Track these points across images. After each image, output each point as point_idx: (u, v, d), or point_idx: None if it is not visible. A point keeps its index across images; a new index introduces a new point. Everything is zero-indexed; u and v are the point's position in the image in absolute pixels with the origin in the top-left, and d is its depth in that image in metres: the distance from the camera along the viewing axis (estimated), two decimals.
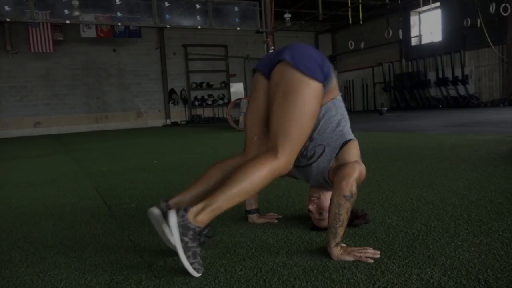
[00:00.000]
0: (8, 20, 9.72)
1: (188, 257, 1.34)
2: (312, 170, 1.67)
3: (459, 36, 15.31)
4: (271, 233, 1.78)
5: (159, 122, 17.57)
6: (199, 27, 11.66)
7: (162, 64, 17.44)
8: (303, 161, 1.69)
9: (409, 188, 2.47)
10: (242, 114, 10.39)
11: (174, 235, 1.34)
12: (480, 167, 2.99)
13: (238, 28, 12.20)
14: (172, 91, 17.71)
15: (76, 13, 10.03)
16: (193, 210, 1.39)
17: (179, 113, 17.95)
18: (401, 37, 12.54)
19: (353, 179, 1.47)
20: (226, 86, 18.78)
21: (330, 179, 1.62)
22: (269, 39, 11.90)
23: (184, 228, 1.35)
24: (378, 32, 17.28)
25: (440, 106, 15.53)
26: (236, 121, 10.77)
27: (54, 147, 8.30)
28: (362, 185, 2.61)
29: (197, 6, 11.31)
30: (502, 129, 5.71)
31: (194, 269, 1.35)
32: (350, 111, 19.77)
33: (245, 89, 19.05)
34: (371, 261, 1.39)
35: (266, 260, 1.47)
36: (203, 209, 1.39)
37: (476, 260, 1.35)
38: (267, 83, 1.64)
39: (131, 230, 1.97)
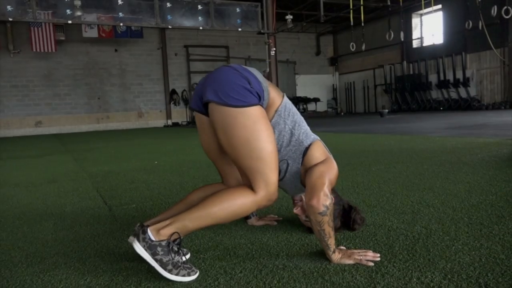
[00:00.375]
0: (10, 19, 9.73)
1: (170, 271, 1.32)
2: (286, 184, 1.67)
3: (460, 39, 15.31)
4: (271, 235, 1.78)
5: (160, 122, 17.58)
6: (200, 27, 11.68)
7: (163, 64, 17.45)
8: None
9: (410, 191, 2.46)
10: None
11: (146, 259, 1.33)
12: (481, 170, 2.99)
13: (239, 29, 12.20)
14: (173, 91, 17.72)
15: (78, 13, 10.05)
16: (158, 226, 1.37)
17: (180, 114, 17.96)
18: (402, 39, 12.54)
19: (322, 193, 1.44)
20: None
21: (303, 184, 1.61)
22: (270, 40, 11.91)
23: (151, 248, 1.32)
24: (380, 34, 17.28)
25: (441, 108, 15.52)
26: None
27: (55, 146, 8.31)
28: (362, 188, 2.62)
29: (199, 7, 11.32)
30: (503, 132, 5.71)
31: (183, 275, 1.33)
32: (351, 113, 19.79)
33: None
34: (371, 264, 1.39)
35: (266, 262, 1.47)
36: (167, 225, 1.38)
37: (477, 263, 1.34)
38: (208, 118, 1.55)
39: (131, 231, 1.97)
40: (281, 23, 14.55)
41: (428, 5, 13.04)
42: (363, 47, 13.30)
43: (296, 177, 1.62)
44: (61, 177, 3.92)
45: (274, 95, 1.57)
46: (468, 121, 8.61)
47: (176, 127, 15.91)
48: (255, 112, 1.42)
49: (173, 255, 1.34)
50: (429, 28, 17.51)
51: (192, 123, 17.56)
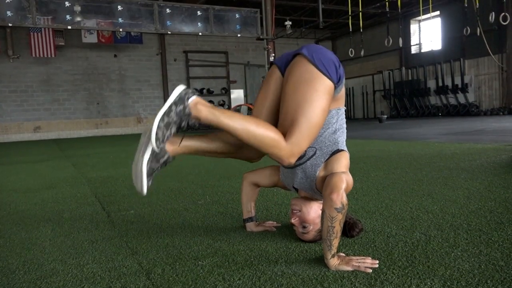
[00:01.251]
0: (10, 25, 9.75)
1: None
2: (298, 172, 1.66)
3: (458, 45, 15.39)
4: (269, 241, 1.77)
5: None
6: (200, 33, 11.72)
7: (162, 70, 17.49)
8: None
9: (409, 197, 2.46)
10: None
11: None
12: (480, 176, 2.99)
13: (239, 35, 12.26)
14: None
15: (78, 19, 10.09)
16: (202, 102, 1.49)
17: None
18: (401, 45, 12.58)
19: (343, 190, 1.45)
20: (227, 92, 18.82)
21: (318, 188, 1.61)
22: (269, 46, 11.95)
23: (180, 101, 1.46)
24: (378, 40, 17.37)
25: (440, 114, 15.56)
26: None
27: (53, 152, 8.30)
28: (361, 194, 2.62)
29: (198, 12, 11.37)
30: (502, 138, 5.72)
31: (156, 134, 1.45)
32: (350, 119, 19.82)
33: (246, 95, 19.08)
34: (370, 271, 1.38)
35: (265, 269, 1.46)
36: (206, 106, 1.49)
37: (476, 270, 1.34)
38: (281, 77, 1.66)
39: (129, 237, 1.97)
40: (280, 29, 14.61)
41: (426, 11, 13.10)
42: (362, 53, 13.35)
43: (313, 170, 1.61)
44: (60, 182, 3.91)
45: (343, 96, 1.68)
46: (466, 126, 8.63)
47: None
48: (328, 86, 1.54)
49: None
50: (428, 34, 17.60)
51: (190, 128, 17.56)
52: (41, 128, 15.67)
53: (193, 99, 1.48)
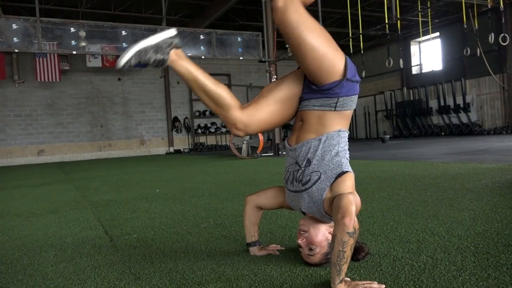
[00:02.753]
0: (16, 51, 9.93)
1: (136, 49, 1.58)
2: (305, 197, 1.65)
3: (459, 65, 15.50)
4: (274, 265, 1.75)
5: (162, 150, 17.62)
6: (202, 56, 11.86)
7: (166, 92, 17.66)
8: (297, 186, 1.68)
9: (414, 219, 2.43)
10: (245, 142, 10.41)
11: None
12: (485, 197, 2.96)
13: (241, 58, 12.40)
14: (176, 119, 17.85)
15: (83, 44, 10.26)
16: (179, 52, 1.63)
17: (182, 141, 18.03)
18: (401, 66, 12.70)
19: (354, 214, 1.44)
20: None
21: (326, 210, 1.60)
22: (271, 68, 12.06)
23: (160, 47, 1.60)
24: (379, 61, 17.53)
25: (443, 133, 15.55)
26: (239, 149, 10.79)
27: (57, 175, 8.31)
28: (366, 216, 2.60)
29: (201, 36, 11.55)
30: (506, 158, 5.69)
31: (129, 59, 1.57)
32: (353, 139, 19.81)
33: None
34: None
35: None
36: (184, 60, 1.62)
37: None
38: (297, 93, 1.71)
39: (132, 262, 1.95)
40: (282, 51, 14.78)
41: (426, 33, 13.28)
42: (363, 74, 13.46)
43: (320, 194, 1.60)
44: (63, 206, 3.90)
45: (348, 117, 1.67)
46: (470, 146, 8.60)
47: (178, 154, 15.92)
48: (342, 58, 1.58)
49: (153, 60, 1.61)
50: (428, 55, 17.76)
51: (194, 150, 17.60)
52: (45, 151, 15.74)
53: (173, 51, 1.61)
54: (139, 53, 1.58)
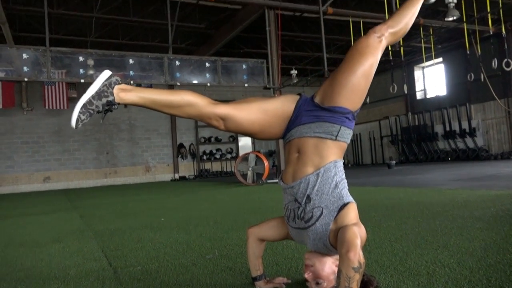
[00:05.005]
0: (26, 79, 10.11)
1: (83, 107, 1.60)
2: (310, 234, 1.62)
3: (463, 90, 15.55)
4: None
5: (167, 176, 17.62)
6: (208, 84, 12.01)
7: (171, 119, 17.80)
8: (300, 223, 1.65)
9: (423, 249, 2.38)
10: (250, 169, 10.39)
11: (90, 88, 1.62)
12: (495, 226, 2.90)
13: (246, 85, 12.53)
14: (181, 145, 17.92)
15: (91, 72, 10.44)
16: (124, 88, 1.65)
17: (187, 168, 18.04)
18: (406, 92, 12.76)
19: (359, 247, 1.42)
20: (234, 140, 18.98)
21: (332, 243, 1.57)
22: (276, 95, 12.17)
23: (101, 92, 1.61)
24: (383, 86, 17.65)
25: (449, 159, 15.44)
26: (244, 176, 10.76)
27: (62, 203, 8.30)
28: (374, 246, 2.55)
29: (207, 64, 11.73)
30: None
31: (78, 117, 1.59)
32: (359, 165, 19.74)
33: (253, 143, 19.21)
34: None
35: None
36: (130, 90, 1.64)
37: None
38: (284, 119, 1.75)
39: None
40: (287, 78, 14.96)
41: (429, 58, 13.40)
42: (368, 100, 13.54)
43: (324, 229, 1.58)
44: (67, 235, 3.87)
45: (344, 148, 1.69)
46: (477, 172, 8.51)
47: (183, 181, 15.90)
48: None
49: (101, 106, 1.63)
50: (432, 80, 17.86)
51: (199, 176, 17.58)
52: (51, 178, 15.78)
53: (116, 88, 1.64)
54: (85, 106, 1.61)
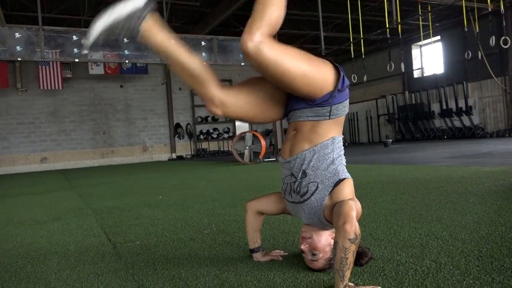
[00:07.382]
0: (19, 59, 10.00)
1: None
2: (305, 208, 1.65)
3: (461, 68, 15.49)
4: (277, 271, 1.75)
5: (164, 156, 17.64)
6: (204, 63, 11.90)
7: (168, 99, 17.70)
8: (295, 198, 1.68)
9: (417, 223, 2.43)
10: (247, 148, 10.42)
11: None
12: (488, 200, 2.95)
13: (242, 64, 12.44)
14: (178, 125, 17.88)
15: (85, 52, 10.32)
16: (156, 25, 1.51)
17: (184, 147, 18.05)
18: (403, 70, 12.70)
19: (355, 220, 1.45)
20: (231, 120, 18.95)
21: (326, 218, 1.60)
22: None
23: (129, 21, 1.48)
24: (381, 65, 17.56)
25: (445, 137, 15.50)
26: (241, 155, 10.79)
27: (59, 182, 8.33)
28: (369, 220, 2.59)
29: (203, 43, 11.62)
30: (509, 161, 5.67)
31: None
32: (355, 143, 19.80)
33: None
34: None
35: None
36: (158, 35, 1.51)
37: None
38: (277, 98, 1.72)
39: (135, 269, 1.95)
40: None
41: (427, 36, 13.28)
42: (365, 78, 13.47)
43: (319, 204, 1.60)
44: (66, 214, 3.91)
45: (341, 123, 1.67)
46: (473, 149, 8.58)
47: (181, 161, 15.94)
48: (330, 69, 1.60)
49: (125, 30, 1.49)
50: (429, 59, 17.77)
51: (196, 156, 17.61)
52: (48, 159, 15.77)
53: (145, 23, 1.48)
54: (110, 28, 1.50)
